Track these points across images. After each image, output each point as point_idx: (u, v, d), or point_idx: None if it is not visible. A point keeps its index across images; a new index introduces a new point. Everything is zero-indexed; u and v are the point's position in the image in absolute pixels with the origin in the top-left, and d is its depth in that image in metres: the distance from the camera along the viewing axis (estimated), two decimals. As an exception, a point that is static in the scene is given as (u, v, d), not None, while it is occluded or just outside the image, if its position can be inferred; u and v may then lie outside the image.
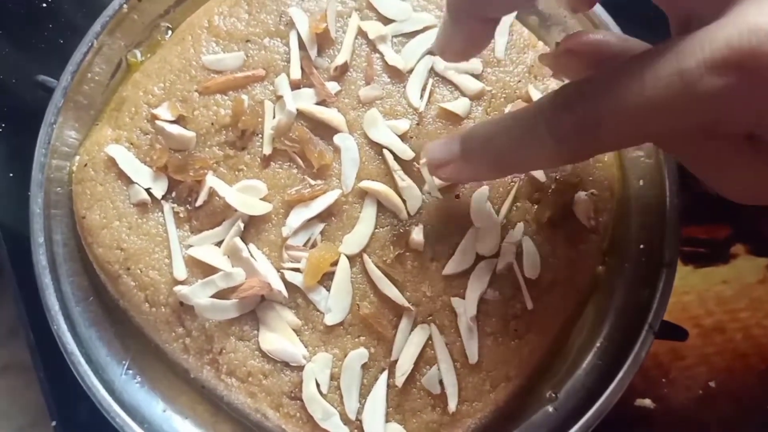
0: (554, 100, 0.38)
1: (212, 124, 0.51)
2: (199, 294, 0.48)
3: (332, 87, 0.52)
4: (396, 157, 0.51)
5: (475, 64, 0.53)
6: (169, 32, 0.55)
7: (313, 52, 0.52)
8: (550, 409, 0.52)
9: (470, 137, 0.43)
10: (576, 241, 0.52)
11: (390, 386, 0.49)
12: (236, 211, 0.50)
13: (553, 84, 0.54)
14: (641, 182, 0.54)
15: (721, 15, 0.34)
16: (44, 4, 0.65)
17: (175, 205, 0.51)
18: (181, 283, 0.49)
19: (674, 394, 0.63)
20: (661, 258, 0.51)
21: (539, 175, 0.52)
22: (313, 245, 0.50)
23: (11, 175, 0.61)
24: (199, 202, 0.50)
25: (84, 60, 0.52)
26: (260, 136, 0.51)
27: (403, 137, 0.52)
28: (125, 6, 0.53)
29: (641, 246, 0.53)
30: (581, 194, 0.52)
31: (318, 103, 0.52)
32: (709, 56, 0.32)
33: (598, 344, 0.53)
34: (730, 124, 0.35)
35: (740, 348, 0.63)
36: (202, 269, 0.49)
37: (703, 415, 0.63)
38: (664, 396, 0.62)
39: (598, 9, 0.54)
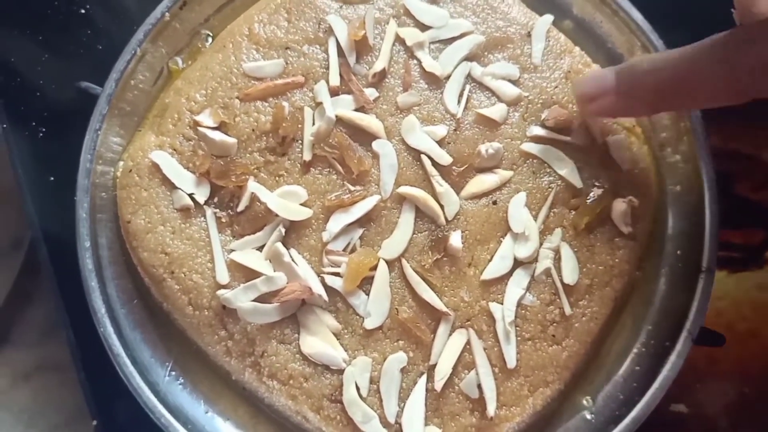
0: (735, 35, 0.38)
1: (253, 130, 0.52)
2: (241, 298, 0.49)
3: (370, 93, 0.53)
4: (434, 163, 0.52)
5: (512, 69, 0.54)
6: (210, 40, 0.56)
7: (351, 59, 0.53)
8: (587, 415, 0.52)
9: (629, 70, 0.43)
10: (613, 247, 0.52)
11: (429, 390, 0.49)
12: (277, 216, 0.50)
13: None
14: (678, 187, 0.54)
15: None
16: (82, 11, 0.66)
17: (218, 210, 0.52)
18: (224, 287, 0.50)
19: (708, 400, 0.62)
20: (698, 263, 0.51)
21: (576, 181, 0.52)
22: (353, 250, 0.51)
23: (52, 178, 0.62)
24: (240, 208, 0.51)
25: (127, 67, 0.53)
26: (300, 142, 0.52)
27: (440, 143, 0.52)
28: (167, 14, 0.54)
29: (678, 252, 0.54)
30: (619, 200, 0.52)
31: (357, 110, 0.52)
32: None
33: (635, 350, 0.53)
34: None
35: (775, 354, 0.63)
36: (243, 273, 0.50)
37: (736, 421, 0.62)
38: (699, 401, 0.62)
39: (636, 14, 0.54)
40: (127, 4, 0.65)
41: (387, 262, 0.50)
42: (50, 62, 0.65)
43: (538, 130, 0.53)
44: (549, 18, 0.55)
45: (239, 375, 0.51)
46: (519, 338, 0.50)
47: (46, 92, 0.65)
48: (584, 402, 0.52)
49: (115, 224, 0.53)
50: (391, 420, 0.49)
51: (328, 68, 0.53)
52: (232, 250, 0.51)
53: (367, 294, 0.50)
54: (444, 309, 0.50)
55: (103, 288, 0.51)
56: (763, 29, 0.38)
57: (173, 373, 0.52)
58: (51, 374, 0.68)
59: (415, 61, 0.54)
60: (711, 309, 0.62)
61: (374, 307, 0.50)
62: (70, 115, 0.64)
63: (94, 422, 0.59)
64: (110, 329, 0.50)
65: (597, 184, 0.52)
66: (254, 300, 0.49)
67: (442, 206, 0.51)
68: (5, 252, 0.67)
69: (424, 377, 0.49)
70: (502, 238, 0.51)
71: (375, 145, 0.52)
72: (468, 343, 0.50)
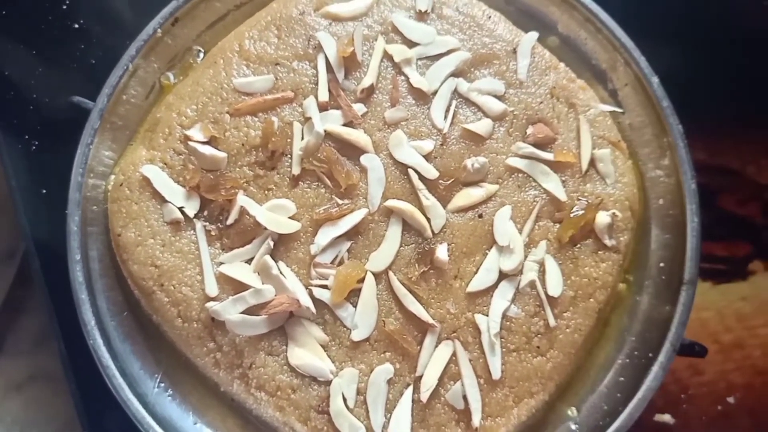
0: None
1: (243, 144, 0.53)
2: (230, 310, 0.50)
3: (359, 109, 0.54)
4: (421, 177, 0.53)
5: (497, 85, 0.55)
6: (201, 55, 0.57)
7: (340, 75, 0.54)
8: (572, 425, 0.53)
9: None
10: (597, 259, 0.53)
11: (415, 401, 0.50)
12: (266, 229, 0.51)
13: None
14: (661, 201, 0.55)
15: None
16: (76, 25, 0.67)
17: (207, 223, 0.52)
18: (213, 299, 0.51)
19: (693, 410, 0.63)
20: (681, 276, 0.52)
21: (560, 195, 0.53)
22: (341, 263, 0.51)
23: (44, 191, 0.63)
24: (230, 221, 0.52)
25: (119, 82, 0.54)
26: (289, 156, 0.53)
27: (427, 157, 0.53)
28: (159, 30, 0.55)
29: (661, 264, 0.54)
30: (602, 214, 0.53)
31: (345, 125, 0.53)
32: None
33: (619, 361, 0.53)
34: None
35: (759, 364, 0.64)
36: (232, 286, 0.51)
37: (721, 430, 0.63)
38: (684, 412, 0.63)
39: (618, 31, 0.56)
40: (121, 20, 0.66)
41: (374, 274, 0.51)
42: (44, 76, 0.66)
43: (522, 147, 0.54)
44: (534, 35, 0.56)
45: (228, 386, 0.51)
46: (504, 349, 0.51)
47: (39, 105, 0.65)
48: (569, 412, 0.53)
49: (105, 237, 0.54)
50: (378, 431, 0.49)
51: (317, 84, 0.54)
52: (222, 263, 0.52)
53: (355, 306, 0.51)
54: (430, 321, 0.50)
55: (93, 300, 0.52)
56: None
57: (162, 384, 0.53)
58: (43, 384, 0.68)
59: (402, 77, 0.55)
60: (696, 320, 0.64)
61: (361, 319, 0.51)
62: (63, 129, 0.64)
63: (84, 432, 0.60)
64: (100, 341, 0.51)
65: (581, 197, 0.53)
66: (243, 312, 0.50)
67: (428, 219, 0.52)
68: (-1, 262, 0.67)
69: (411, 388, 0.50)
70: (487, 251, 0.52)
71: (363, 159, 0.53)
72: (454, 354, 0.51)
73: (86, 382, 0.59)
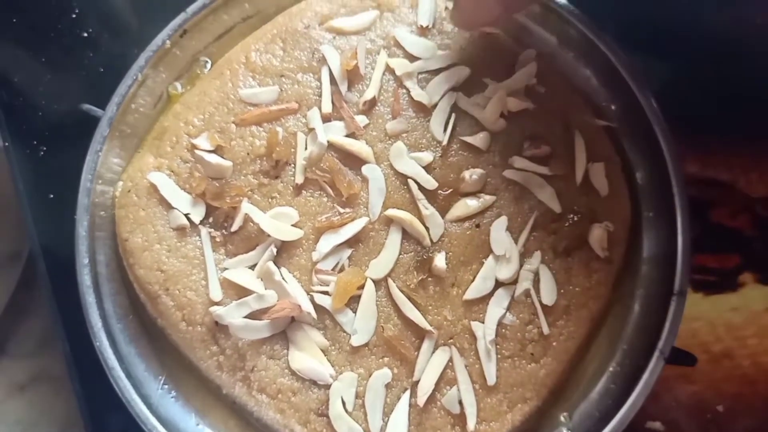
0: None
1: (248, 154, 0.55)
2: (233, 314, 0.51)
3: (361, 120, 0.55)
4: (420, 187, 0.54)
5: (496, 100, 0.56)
6: (208, 65, 0.59)
7: (343, 87, 0.55)
8: (565, 431, 0.54)
9: None
10: (590, 270, 0.54)
11: (412, 405, 0.51)
12: (269, 236, 0.53)
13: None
14: (651, 214, 0.57)
15: None
16: (85, 34, 0.68)
17: (212, 229, 0.54)
18: (217, 303, 0.52)
19: (683, 418, 0.64)
20: (671, 286, 0.54)
21: (555, 206, 0.55)
22: (341, 270, 0.53)
23: (51, 196, 0.64)
24: (234, 228, 0.53)
25: (129, 92, 0.55)
26: (293, 165, 0.55)
27: (427, 168, 0.55)
28: (168, 42, 0.56)
29: (652, 275, 0.56)
30: (596, 225, 0.54)
31: (347, 136, 0.55)
32: None
33: (610, 369, 0.55)
34: None
35: (748, 374, 0.65)
36: (236, 291, 0.52)
37: (711, 438, 0.64)
38: (674, 420, 0.64)
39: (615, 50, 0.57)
40: (130, 29, 0.68)
41: (374, 281, 0.53)
42: (53, 83, 0.67)
43: (518, 161, 0.55)
44: (532, 52, 0.58)
45: (230, 389, 0.53)
46: (499, 356, 0.52)
47: (48, 112, 0.66)
48: (561, 418, 0.54)
49: (113, 242, 0.55)
50: (376, 434, 0.51)
51: (320, 96, 0.55)
52: (226, 269, 0.53)
53: (355, 312, 0.52)
54: (428, 327, 0.52)
55: (100, 303, 0.53)
56: None
57: (166, 386, 0.54)
58: (46, 385, 0.69)
59: (403, 90, 0.56)
60: (687, 330, 0.65)
61: (361, 325, 0.52)
62: (71, 135, 0.65)
63: (86, 433, 0.61)
64: (106, 343, 0.52)
65: (575, 209, 0.55)
66: (246, 317, 0.51)
67: (427, 228, 0.54)
68: (4, 264, 0.68)
69: (408, 393, 0.51)
70: (484, 260, 0.54)
71: (364, 169, 0.54)
72: (450, 360, 0.52)
73: (90, 383, 0.60)
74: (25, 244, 0.67)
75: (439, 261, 0.53)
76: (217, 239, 0.54)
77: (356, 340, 0.52)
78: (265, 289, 0.52)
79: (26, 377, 0.69)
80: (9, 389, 0.68)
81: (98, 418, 0.60)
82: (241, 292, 0.52)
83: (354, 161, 0.55)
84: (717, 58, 0.67)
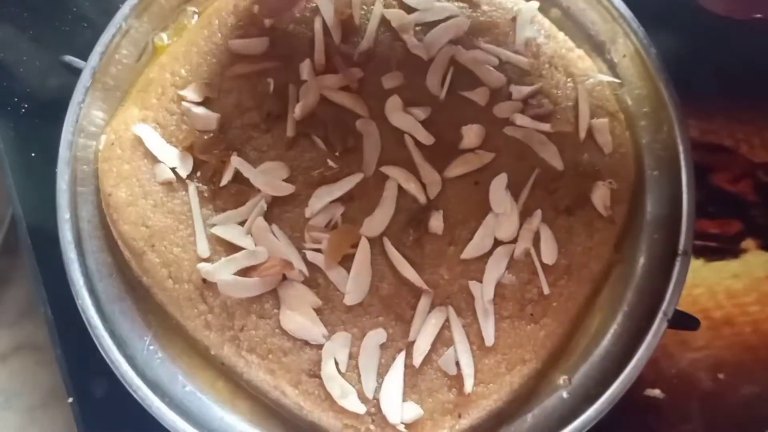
0: None
1: (237, 106, 0.53)
2: (222, 271, 0.49)
3: (355, 73, 0.53)
4: (417, 143, 0.52)
5: (495, 54, 0.54)
6: (196, 16, 0.56)
7: (337, 39, 0.53)
8: (564, 394, 0.52)
9: None
10: (592, 229, 0.53)
11: (407, 366, 0.50)
12: (259, 191, 0.51)
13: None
14: (657, 173, 0.55)
15: None
16: (67, -15, 0.66)
17: (200, 184, 0.52)
18: (205, 260, 0.50)
19: (683, 386, 0.63)
20: (675, 247, 0.52)
21: (557, 164, 0.53)
22: (335, 227, 0.51)
23: (33, 154, 0.62)
24: (223, 182, 0.51)
25: (112, 42, 0.53)
26: (284, 119, 0.52)
27: (423, 123, 0.53)
28: (153, -11, 0.54)
29: (656, 235, 0.54)
30: (599, 184, 0.53)
31: (341, 89, 0.53)
32: None
33: (612, 331, 0.53)
34: None
35: (749, 341, 0.64)
36: (225, 247, 0.50)
37: (711, 405, 0.63)
38: (674, 387, 0.63)
39: (618, 2, 0.55)
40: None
41: (368, 239, 0.51)
42: (34, 39, 0.65)
43: (520, 118, 0.53)
44: (535, 4, 0.56)
45: (218, 349, 0.51)
46: (497, 316, 0.51)
47: (29, 68, 0.64)
48: (561, 381, 0.53)
49: (96, 198, 0.53)
50: (369, 395, 0.49)
51: (313, 47, 0.53)
52: (214, 225, 0.51)
53: (348, 270, 0.50)
54: (424, 286, 0.50)
55: (82, 260, 0.51)
56: None
57: (151, 347, 0.52)
58: (28, 355, 0.67)
59: (400, 43, 0.54)
60: (687, 297, 0.64)
61: (355, 284, 0.50)
62: (53, 91, 0.64)
63: (71, 399, 0.59)
64: (88, 301, 0.50)
65: (578, 167, 0.53)
66: (235, 274, 0.49)
67: (423, 185, 0.52)
68: (-16, 231, 0.66)
69: (403, 353, 0.50)
70: (482, 218, 0.52)
71: (359, 124, 0.52)
72: (447, 320, 0.50)
73: (72, 349, 0.58)
74: (7, 207, 0.65)
75: (436, 219, 0.51)
76: (205, 194, 0.52)
77: (350, 299, 0.50)
78: (255, 245, 0.50)
79: (8, 347, 0.67)
80: (-9, 359, 0.66)
81: (81, 384, 0.58)
82: (230, 248, 0.50)
83: (348, 115, 0.52)
84: (720, 23, 0.66)
